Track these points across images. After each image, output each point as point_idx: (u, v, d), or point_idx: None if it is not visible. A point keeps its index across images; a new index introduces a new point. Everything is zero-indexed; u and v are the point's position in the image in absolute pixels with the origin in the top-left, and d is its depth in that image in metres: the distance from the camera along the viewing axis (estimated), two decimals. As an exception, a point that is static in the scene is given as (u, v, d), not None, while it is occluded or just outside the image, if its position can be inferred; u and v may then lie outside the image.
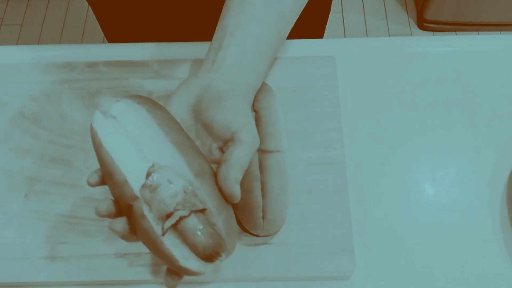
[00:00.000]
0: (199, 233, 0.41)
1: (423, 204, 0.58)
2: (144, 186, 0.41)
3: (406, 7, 1.97)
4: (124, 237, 0.44)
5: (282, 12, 0.53)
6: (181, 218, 0.41)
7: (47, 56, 0.67)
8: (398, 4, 1.98)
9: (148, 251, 0.53)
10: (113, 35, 0.86)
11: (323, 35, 0.89)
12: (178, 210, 0.41)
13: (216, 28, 0.53)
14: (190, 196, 0.41)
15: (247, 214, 0.52)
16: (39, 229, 0.55)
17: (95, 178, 0.46)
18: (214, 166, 0.47)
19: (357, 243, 0.55)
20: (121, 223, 0.43)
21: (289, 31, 0.56)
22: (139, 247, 0.53)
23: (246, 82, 0.51)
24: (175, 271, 0.44)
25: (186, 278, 0.52)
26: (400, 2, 1.98)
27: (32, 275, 0.52)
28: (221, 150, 0.48)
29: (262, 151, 0.53)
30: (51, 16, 1.99)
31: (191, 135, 0.49)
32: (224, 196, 0.44)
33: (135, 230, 0.43)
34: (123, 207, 0.43)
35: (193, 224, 0.41)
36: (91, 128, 0.46)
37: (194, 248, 0.41)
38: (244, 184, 0.52)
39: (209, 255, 0.41)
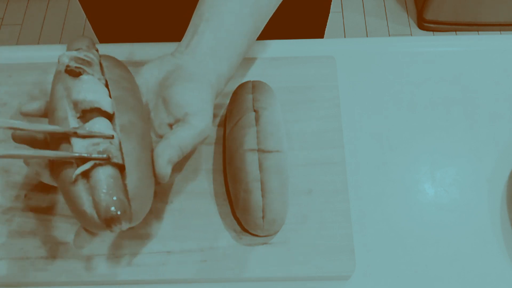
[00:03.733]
0: (108, 191, 0.40)
1: (423, 204, 0.58)
2: (75, 129, 0.42)
3: (406, 7, 1.97)
4: (38, 172, 0.43)
5: (258, 2, 0.54)
6: (94, 166, 0.40)
7: (47, 56, 0.67)
8: (398, 4, 1.98)
9: (148, 251, 0.53)
10: (105, 35, 0.86)
11: (323, 35, 0.90)
12: (92, 159, 0.40)
13: (193, 14, 0.53)
14: (113, 148, 0.42)
15: (247, 214, 0.52)
16: (39, 229, 0.55)
17: (36, 105, 0.47)
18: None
19: (357, 243, 0.55)
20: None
21: (265, 22, 0.56)
22: (140, 247, 0.54)
23: (218, 70, 0.51)
24: (87, 230, 0.43)
25: (184, 277, 0.52)
26: (400, 2, 1.98)
27: (32, 275, 0.52)
28: (170, 127, 0.48)
29: (262, 151, 0.53)
30: (51, 16, 1.99)
31: (150, 106, 0.50)
32: (154, 172, 0.44)
33: (54, 166, 0.43)
34: (54, 141, 0.43)
35: (106, 181, 0.40)
36: (58, 62, 0.46)
37: (96, 205, 0.40)
38: (244, 184, 0.52)
39: (107, 220, 0.39)
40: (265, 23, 0.56)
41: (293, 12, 0.79)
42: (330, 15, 0.87)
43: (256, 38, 0.56)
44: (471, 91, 0.65)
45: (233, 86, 0.60)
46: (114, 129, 0.44)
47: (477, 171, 0.60)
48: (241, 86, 0.59)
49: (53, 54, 0.67)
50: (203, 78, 0.49)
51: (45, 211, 0.56)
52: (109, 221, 0.39)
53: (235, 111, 0.56)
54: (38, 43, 1.89)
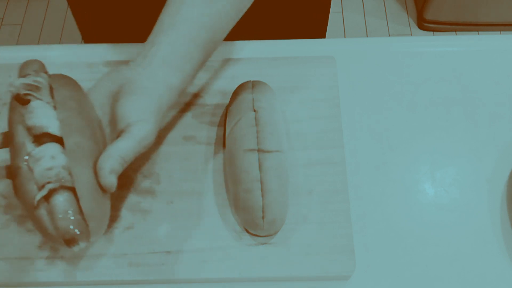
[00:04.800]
0: (65, 215, 0.43)
1: (423, 204, 0.58)
2: (29, 154, 0.44)
3: (406, 7, 1.97)
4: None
5: (218, 14, 0.53)
6: (51, 192, 0.43)
7: (46, 56, 0.67)
8: (398, 4, 1.98)
9: (148, 251, 0.53)
10: (90, 35, 0.86)
11: (325, 35, 0.89)
12: (50, 182, 0.43)
13: (157, 21, 0.53)
14: (65, 173, 0.44)
15: (247, 214, 0.52)
16: (39, 229, 0.55)
17: None
18: None
19: (357, 243, 0.55)
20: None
21: (225, 34, 0.55)
22: (139, 247, 0.54)
23: (170, 82, 0.51)
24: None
25: (184, 277, 0.52)
26: (400, 2, 1.98)
27: (32, 275, 0.52)
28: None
29: (262, 151, 0.53)
30: (51, 16, 1.98)
31: (106, 119, 0.50)
32: (99, 184, 0.45)
33: (17, 191, 0.45)
34: (13, 168, 0.45)
35: (62, 206, 0.43)
36: (10, 89, 0.47)
37: (56, 230, 0.43)
38: (244, 184, 0.52)
39: (67, 240, 0.43)
40: (225, 34, 0.55)
41: (294, 13, 0.79)
42: (330, 15, 0.87)
43: (214, 49, 0.55)
44: (471, 91, 0.65)
45: (233, 86, 0.60)
46: (64, 152, 0.45)
47: (477, 171, 0.60)
48: (241, 86, 0.59)
49: (53, 54, 0.68)
50: (150, 91, 0.49)
51: (45, 211, 0.56)
52: (68, 242, 0.44)
53: (235, 111, 0.56)
54: (38, 43, 1.89)
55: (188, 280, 0.53)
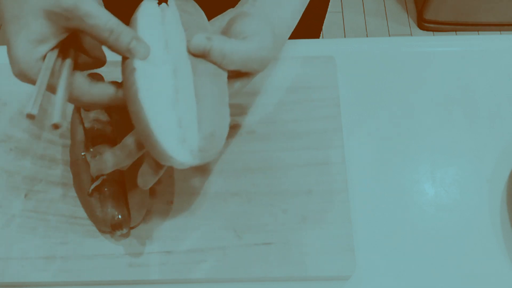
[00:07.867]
0: (111, 205, 0.51)
1: (423, 204, 0.58)
2: (87, 150, 0.54)
3: (406, 7, 1.97)
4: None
5: None
6: (103, 183, 0.52)
7: (47, 56, 0.67)
8: (398, 4, 1.98)
9: (148, 251, 0.53)
10: None
11: (319, 35, 0.89)
12: (103, 175, 0.52)
13: None
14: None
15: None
16: (39, 229, 0.55)
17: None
18: None
19: (357, 243, 0.55)
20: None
21: None
22: (140, 247, 0.54)
23: (281, 16, 0.51)
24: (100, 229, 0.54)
25: (184, 277, 0.52)
26: (400, 2, 1.99)
27: (32, 275, 0.52)
28: None
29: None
30: (51, 16, 1.98)
31: None
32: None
33: (74, 180, 0.55)
34: (72, 160, 0.56)
35: (112, 196, 0.52)
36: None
37: (105, 215, 0.51)
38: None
39: (113, 225, 0.51)
40: None
41: None
42: (330, 15, 0.87)
43: None
44: (471, 91, 0.65)
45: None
46: None
47: (477, 171, 0.60)
48: None
49: (53, 54, 0.68)
50: (264, 17, 0.49)
51: (45, 211, 0.56)
52: (114, 227, 0.51)
53: None
54: (38, 43, 1.88)
55: (188, 280, 0.53)
